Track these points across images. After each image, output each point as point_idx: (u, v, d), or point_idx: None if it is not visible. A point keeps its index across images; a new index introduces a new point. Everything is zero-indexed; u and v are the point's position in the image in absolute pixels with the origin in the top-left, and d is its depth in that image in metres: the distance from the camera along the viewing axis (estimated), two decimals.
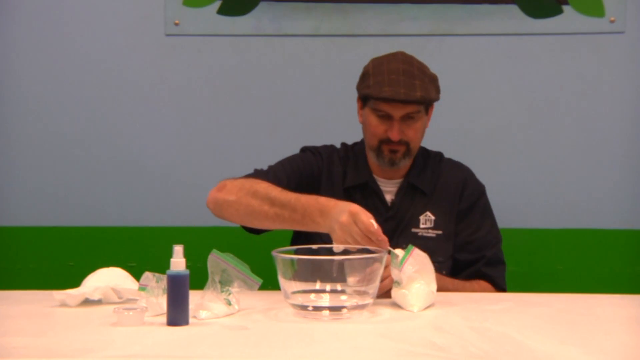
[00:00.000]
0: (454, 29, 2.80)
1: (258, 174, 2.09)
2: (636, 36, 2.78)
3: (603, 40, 2.78)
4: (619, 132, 2.80)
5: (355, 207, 1.74)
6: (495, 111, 2.82)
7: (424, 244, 1.89)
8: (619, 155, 2.80)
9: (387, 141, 2.07)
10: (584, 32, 2.78)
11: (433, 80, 2.11)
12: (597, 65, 2.80)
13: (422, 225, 2.11)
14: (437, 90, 2.11)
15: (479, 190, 2.20)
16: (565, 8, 2.78)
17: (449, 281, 2.03)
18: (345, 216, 1.74)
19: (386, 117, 2.06)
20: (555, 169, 2.81)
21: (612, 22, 2.77)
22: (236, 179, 2.04)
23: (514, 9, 2.78)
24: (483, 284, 2.11)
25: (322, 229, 1.81)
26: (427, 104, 2.09)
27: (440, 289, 1.78)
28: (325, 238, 1.95)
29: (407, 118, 2.06)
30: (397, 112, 2.05)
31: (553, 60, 2.80)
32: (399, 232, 2.11)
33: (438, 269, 1.84)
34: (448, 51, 2.81)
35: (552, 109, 2.81)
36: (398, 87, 2.01)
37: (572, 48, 2.79)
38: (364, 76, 2.11)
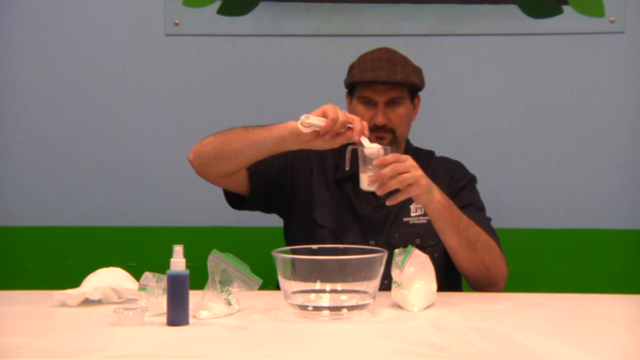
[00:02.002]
0: (454, 29, 2.80)
1: None
2: (636, 36, 2.78)
3: (603, 40, 2.78)
4: (619, 132, 2.80)
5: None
6: (495, 111, 2.82)
7: (416, 231, 1.95)
8: (619, 155, 2.80)
9: (374, 129, 2.09)
10: (584, 32, 2.78)
11: (416, 70, 2.17)
12: (597, 65, 2.80)
13: (413, 214, 2.12)
14: (421, 80, 2.17)
15: (469, 177, 2.22)
16: (565, 8, 2.78)
17: (462, 213, 1.97)
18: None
19: (371, 104, 2.12)
20: (555, 169, 2.81)
21: (612, 22, 2.77)
22: None
23: (514, 9, 2.78)
24: (489, 238, 2.02)
25: (290, 124, 1.90)
26: (409, 87, 2.13)
27: (449, 214, 1.89)
28: (319, 219, 1.96)
29: (392, 103, 2.12)
30: (381, 96, 2.10)
31: (553, 60, 2.80)
32: (390, 222, 2.11)
33: (430, 252, 1.83)
34: (448, 51, 2.81)
35: (552, 109, 2.81)
36: (380, 70, 2.09)
37: (572, 48, 2.79)
38: (350, 69, 2.21)
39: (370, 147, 1.83)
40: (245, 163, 2.04)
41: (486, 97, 2.83)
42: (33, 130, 2.86)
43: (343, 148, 2.09)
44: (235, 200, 2.18)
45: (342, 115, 1.86)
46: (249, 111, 2.85)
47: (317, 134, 1.88)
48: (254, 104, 2.85)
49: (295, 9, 2.82)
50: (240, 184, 2.13)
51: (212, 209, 2.65)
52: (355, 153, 1.86)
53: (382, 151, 1.82)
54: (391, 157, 1.81)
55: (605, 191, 2.79)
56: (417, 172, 1.83)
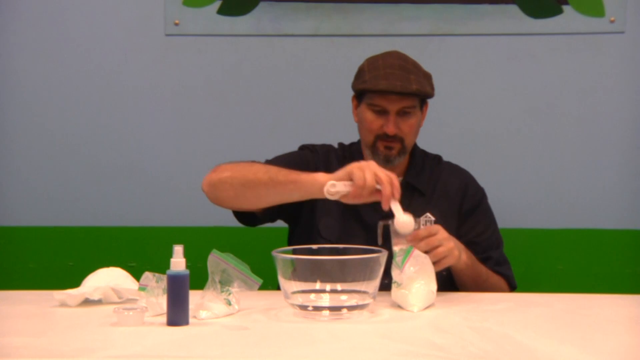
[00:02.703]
0: (454, 29, 2.80)
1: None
2: (636, 36, 2.78)
3: (603, 40, 2.78)
4: (619, 132, 2.80)
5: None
6: (495, 111, 2.82)
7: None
8: (618, 156, 2.80)
9: (383, 137, 2.08)
10: (584, 32, 2.78)
11: (427, 77, 2.13)
12: (597, 65, 2.80)
13: (422, 226, 2.11)
14: (432, 87, 2.13)
15: (481, 193, 2.22)
16: (565, 8, 2.78)
17: (483, 266, 2.05)
18: (367, 162, 1.79)
19: (382, 112, 2.08)
20: (555, 169, 2.81)
21: (612, 22, 2.77)
22: (231, 162, 2.05)
23: (514, 9, 2.78)
24: (501, 279, 2.12)
25: (317, 182, 1.82)
26: (422, 97, 2.11)
27: (472, 271, 1.91)
28: (323, 232, 1.95)
29: (403, 113, 2.08)
30: (393, 106, 2.06)
31: (553, 60, 2.80)
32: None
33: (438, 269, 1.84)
34: (448, 51, 2.81)
35: (552, 109, 2.81)
36: (394, 80, 2.04)
37: (572, 48, 2.79)
38: (359, 73, 2.13)
39: (402, 221, 1.76)
40: (266, 206, 2.00)
41: (486, 97, 2.83)
42: (33, 130, 2.86)
43: (348, 155, 2.09)
44: (246, 218, 2.12)
45: (370, 178, 1.76)
46: (249, 111, 2.85)
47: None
48: (253, 103, 2.85)
49: (295, 9, 2.82)
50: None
51: (212, 209, 2.63)
52: (386, 227, 1.83)
53: (413, 224, 1.78)
54: (424, 231, 1.81)
55: (605, 191, 2.79)
56: (449, 244, 1.84)
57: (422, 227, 1.84)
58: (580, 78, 2.80)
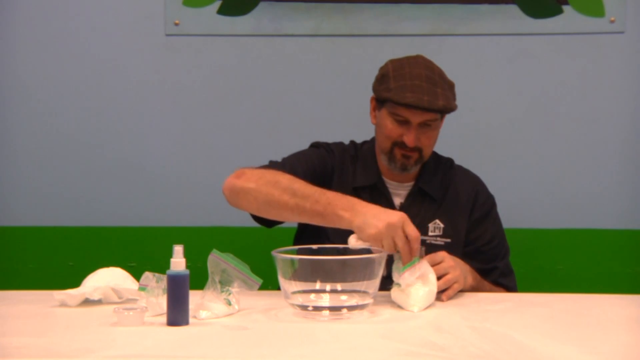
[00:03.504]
0: (454, 29, 2.80)
1: (274, 166, 2.05)
2: (636, 36, 2.78)
3: (603, 40, 2.78)
4: (619, 132, 2.80)
5: (405, 215, 1.74)
6: (495, 111, 2.82)
7: (431, 250, 1.87)
8: (618, 155, 2.80)
9: (401, 145, 2.05)
10: (584, 32, 2.78)
11: (451, 87, 2.09)
12: (597, 65, 2.80)
13: (430, 233, 2.09)
14: (455, 98, 2.09)
15: (491, 201, 2.20)
16: (565, 8, 2.78)
17: (486, 283, 2.07)
18: (396, 217, 1.71)
19: (404, 122, 2.04)
20: (555, 168, 2.81)
21: (612, 22, 2.77)
22: (255, 168, 1.99)
23: (514, 9, 2.78)
24: (503, 291, 2.13)
25: (344, 223, 1.77)
26: (448, 112, 2.07)
27: (478, 289, 1.92)
28: (332, 237, 1.95)
29: (425, 125, 2.04)
30: (417, 118, 2.02)
31: (553, 60, 2.80)
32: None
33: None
34: (448, 51, 2.80)
35: (552, 109, 2.81)
36: (421, 94, 1.99)
37: (572, 48, 2.79)
38: (383, 78, 2.07)
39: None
40: (287, 221, 1.98)
41: (486, 97, 2.82)
42: (33, 130, 2.86)
43: (360, 155, 2.08)
44: (265, 220, 2.05)
45: (400, 245, 1.72)
46: (249, 111, 2.85)
47: None
48: (254, 103, 2.85)
49: (295, 9, 2.82)
50: None
51: (212, 209, 2.66)
52: (390, 258, 1.80)
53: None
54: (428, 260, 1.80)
55: (605, 191, 2.79)
56: (456, 272, 1.84)
57: (425, 247, 1.81)
58: (580, 78, 2.80)
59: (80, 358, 1.35)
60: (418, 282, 1.72)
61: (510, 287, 2.13)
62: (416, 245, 1.73)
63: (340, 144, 2.22)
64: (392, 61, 2.10)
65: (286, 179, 1.89)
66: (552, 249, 2.80)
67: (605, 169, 2.79)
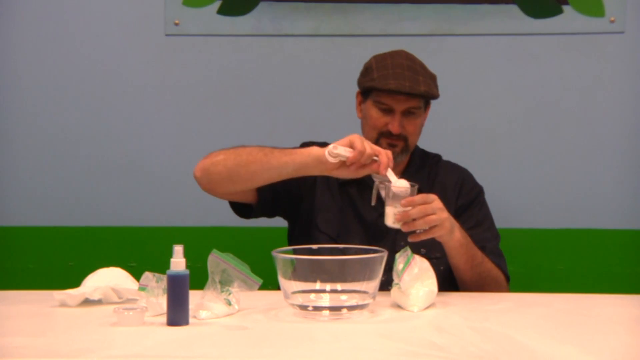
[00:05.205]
0: (454, 29, 2.80)
1: None
2: (636, 36, 2.77)
3: (603, 40, 2.78)
4: (619, 132, 2.80)
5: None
6: (495, 111, 2.82)
7: (421, 241, 1.90)
8: (619, 155, 2.80)
9: (386, 134, 2.10)
10: (584, 32, 2.78)
11: (433, 78, 2.15)
12: (597, 65, 2.80)
13: None
14: (437, 88, 2.15)
15: (478, 188, 2.22)
16: (565, 8, 2.78)
17: (478, 250, 2.04)
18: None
19: (388, 111, 2.10)
20: (555, 169, 2.81)
21: (612, 22, 2.77)
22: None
23: (514, 9, 2.78)
24: (495, 267, 2.09)
25: (314, 152, 1.89)
26: (429, 98, 2.13)
27: (466, 252, 1.93)
28: (321, 227, 1.95)
29: (408, 113, 2.10)
30: (400, 105, 2.08)
31: (553, 60, 2.80)
32: (395, 229, 2.10)
33: (436, 265, 1.85)
34: (448, 51, 2.81)
35: (552, 109, 2.81)
36: (403, 80, 2.06)
37: (572, 48, 2.79)
38: (367, 70, 2.15)
39: (398, 185, 1.84)
40: (261, 184, 2.02)
41: (486, 97, 2.82)
42: (33, 130, 2.86)
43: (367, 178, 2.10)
44: (241, 209, 2.16)
45: (369, 147, 1.86)
46: (249, 111, 2.85)
47: (342, 163, 1.88)
48: (254, 103, 2.85)
49: (295, 9, 2.82)
50: (247, 196, 2.10)
51: (212, 209, 2.65)
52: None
53: (409, 190, 1.83)
54: (419, 198, 1.84)
55: (605, 191, 2.79)
56: (443, 214, 1.86)
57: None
58: (580, 78, 2.80)
59: (80, 358, 1.35)
60: (418, 282, 1.72)
61: (500, 266, 2.10)
62: (389, 154, 1.87)
63: (328, 143, 2.24)
64: (374, 56, 2.18)
65: (252, 145, 2.00)
66: (552, 249, 2.80)
67: (605, 168, 2.79)
